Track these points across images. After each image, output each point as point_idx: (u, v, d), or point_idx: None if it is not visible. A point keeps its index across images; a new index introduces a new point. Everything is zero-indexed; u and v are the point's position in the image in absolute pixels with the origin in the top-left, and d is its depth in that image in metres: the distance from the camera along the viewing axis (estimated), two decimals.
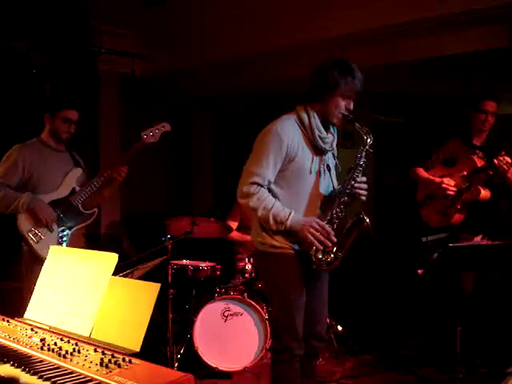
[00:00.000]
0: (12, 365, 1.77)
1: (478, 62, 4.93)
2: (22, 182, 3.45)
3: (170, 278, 4.06)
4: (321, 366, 4.18)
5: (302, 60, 5.30)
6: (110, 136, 5.87)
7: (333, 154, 2.89)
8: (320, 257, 2.68)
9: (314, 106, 2.74)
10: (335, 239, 2.66)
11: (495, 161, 3.63)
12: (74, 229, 3.54)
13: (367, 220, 2.66)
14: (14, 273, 3.86)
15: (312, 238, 2.62)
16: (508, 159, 3.62)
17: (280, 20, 4.88)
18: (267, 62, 5.26)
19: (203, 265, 4.42)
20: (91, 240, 3.73)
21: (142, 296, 1.97)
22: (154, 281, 2.01)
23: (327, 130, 2.79)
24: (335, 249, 2.67)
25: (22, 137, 3.77)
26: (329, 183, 2.83)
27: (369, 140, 2.71)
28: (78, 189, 3.55)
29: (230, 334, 4.05)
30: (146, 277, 3.69)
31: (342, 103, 2.70)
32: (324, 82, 2.69)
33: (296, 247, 2.73)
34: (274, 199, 2.67)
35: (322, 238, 2.63)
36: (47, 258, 2.32)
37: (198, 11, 5.00)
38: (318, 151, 2.76)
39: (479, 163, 3.82)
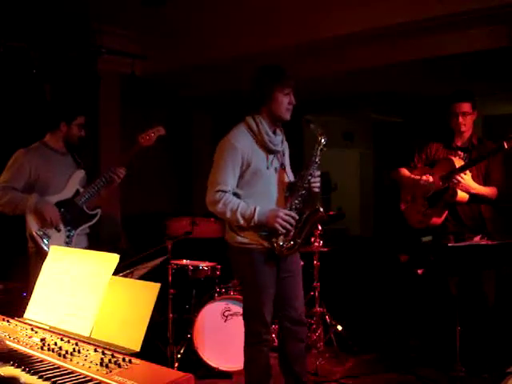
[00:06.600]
0: (12, 365, 1.77)
1: (478, 62, 4.93)
2: (29, 184, 3.50)
3: (170, 278, 4.07)
4: (321, 366, 4.19)
5: (302, 60, 5.31)
6: (110, 136, 5.87)
7: (283, 153, 3.18)
8: (281, 244, 3.01)
9: (261, 113, 3.05)
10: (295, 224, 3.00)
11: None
12: (79, 229, 3.60)
13: (321, 210, 3.03)
14: (16, 273, 3.87)
15: (279, 226, 2.94)
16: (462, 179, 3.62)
17: (280, 20, 4.87)
18: (267, 62, 5.25)
19: (203, 265, 4.43)
20: (91, 240, 3.75)
21: (141, 296, 1.97)
22: (154, 281, 2.00)
23: (275, 131, 3.10)
24: (294, 236, 3.01)
25: (23, 136, 3.77)
26: (286, 178, 3.14)
27: (323, 140, 3.04)
28: (81, 190, 3.62)
29: (230, 334, 4.04)
30: (145, 277, 3.69)
31: (285, 100, 3.01)
32: (262, 89, 3.03)
33: (263, 234, 2.99)
34: (238, 200, 2.98)
35: (287, 225, 2.96)
36: (47, 258, 2.33)
37: (197, 11, 5.00)
38: (270, 152, 3.07)
39: (458, 164, 3.75)
